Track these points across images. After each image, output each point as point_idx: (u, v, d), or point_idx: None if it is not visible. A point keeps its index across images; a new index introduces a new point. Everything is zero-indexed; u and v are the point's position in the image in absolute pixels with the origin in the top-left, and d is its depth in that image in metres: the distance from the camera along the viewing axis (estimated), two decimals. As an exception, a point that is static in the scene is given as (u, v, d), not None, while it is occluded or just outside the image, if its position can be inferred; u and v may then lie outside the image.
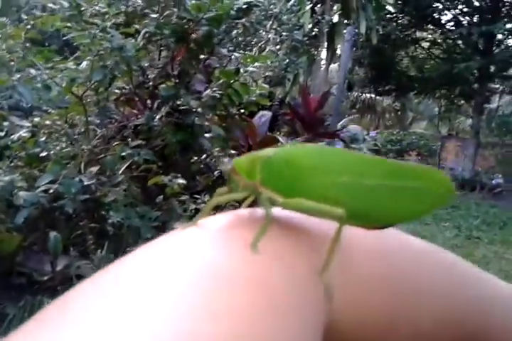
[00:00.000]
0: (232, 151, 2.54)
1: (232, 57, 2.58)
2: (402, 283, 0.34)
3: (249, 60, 2.39)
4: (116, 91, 2.49)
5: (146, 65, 2.18)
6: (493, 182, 11.15)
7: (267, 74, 5.56)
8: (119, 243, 2.22)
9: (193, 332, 0.20)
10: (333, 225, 0.29)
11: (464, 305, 0.36)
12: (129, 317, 0.20)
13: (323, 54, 12.70)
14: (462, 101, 14.70)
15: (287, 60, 6.14)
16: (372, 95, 17.33)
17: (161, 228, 2.20)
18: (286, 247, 0.28)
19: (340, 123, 7.80)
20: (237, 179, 0.31)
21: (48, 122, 2.31)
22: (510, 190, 10.52)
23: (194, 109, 2.03)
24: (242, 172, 0.31)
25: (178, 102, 2.05)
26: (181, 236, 0.28)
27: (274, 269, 0.26)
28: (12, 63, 1.98)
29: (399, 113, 20.07)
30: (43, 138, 2.15)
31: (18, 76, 1.67)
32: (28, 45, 1.80)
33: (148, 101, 2.42)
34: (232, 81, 2.31)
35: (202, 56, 2.25)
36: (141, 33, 1.92)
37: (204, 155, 2.36)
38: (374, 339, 0.33)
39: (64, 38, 1.90)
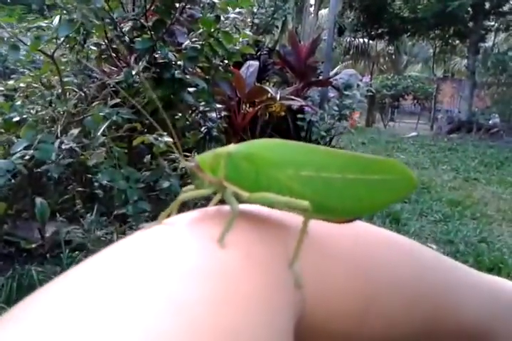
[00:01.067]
0: (219, 105, 2.44)
1: (216, 3, 2.43)
2: (373, 274, 0.35)
3: (229, 5, 2.24)
4: (93, 48, 2.36)
5: (120, 16, 2.04)
6: (490, 122, 11.09)
7: (253, 21, 5.37)
8: (109, 206, 2.17)
9: (156, 328, 0.19)
10: (298, 218, 0.30)
11: (433, 295, 0.38)
12: (93, 318, 0.19)
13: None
14: (457, 42, 14.39)
15: (274, 6, 5.91)
16: (365, 40, 16.92)
17: (151, 188, 2.15)
18: (252, 241, 0.29)
19: (334, 71, 7.61)
20: (202, 176, 0.32)
21: (22, 85, 2.20)
22: (507, 129, 10.46)
23: (173, 62, 1.91)
24: (206, 168, 0.32)
25: (156, 55, 1.93)
26: (148, 235, 0.28)
27: (241, 263, 0.26)
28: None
29: (393, 57, 19.70)
30: (19, 102, 2.05)
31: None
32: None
33: (128, 58, 2.29)
34: (213, 30, 2.17)
35: (179, 5, 2.10)
36: (109, -18, 1.78)
37: (189, 111, 2.26)
38: (347, 331, 0.34)
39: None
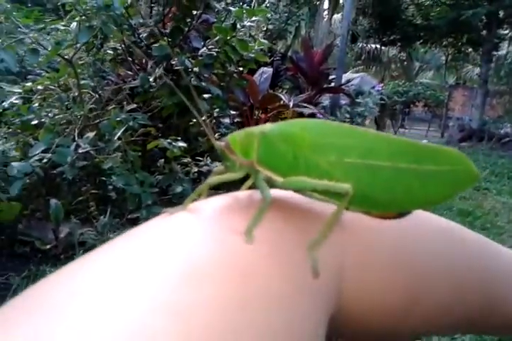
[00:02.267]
0: (233, 112, 2.46)
1: (232, 10, 2.45)
2: (420, 267, 0.32)
3: (246, 13, 2.27)
4: (110, 52, 2.39)
5: (138, 23, 2.07)
6: (502, 131, 11.01)
7: (267, 27, 5.39)
8: (122, 208, 2.20)
9: (154, 330, 0.18)
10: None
11: (483, 284, 0.36)
12: (98, 312, 0.18)
13: (326, 4, 12.28)
14: (470, 49, 14.31)
15: (288, 12, 5.94)
16: (378, 46, 16.89)
17: (164, 192, 2.17)
18: (279, 235, 0.26)
19: (345, 75, 7.62)
20: (233, 157, 0.29)
21: (40, 87, 2.23)
22: (519, 139, 10.38)
23: (190, 69, 1.94)
24: (237, 149, 0.29)
25: (173, 62, 1.96)
26: (169, 223, 0.25)
27: (263, 261, 0.24)
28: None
29: (405, 63, 19.64)
30: (36, 104, 2.09)
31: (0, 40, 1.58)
32: (9, 6, 1.69)
33: (143, 62, 2.33)
34: (229, 37, 2.20)
35: (195, 12, 2.13)
36: (129, -11, 1.81)
37: (203, 117, 2.29)
38: (389, 325, 0.32)
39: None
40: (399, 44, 14.75)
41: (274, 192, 0.28)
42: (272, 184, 0.28)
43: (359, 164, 0.28)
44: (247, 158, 0.29)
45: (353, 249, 0.29)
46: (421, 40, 14.12)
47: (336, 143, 0.29)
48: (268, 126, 0.29)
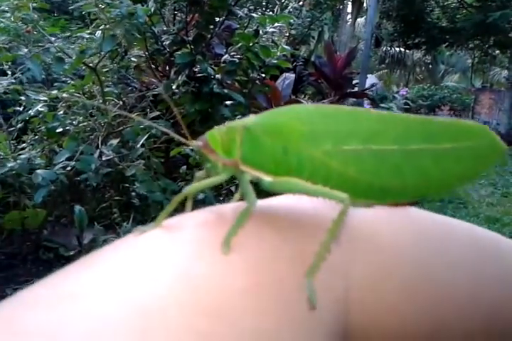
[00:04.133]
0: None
1: (254, 16, 2.46)
2: (445, 290, 0.27)
3: (268, 20, 2.26)
4: (133, 59, 2.42)
5: (161, 30, 2.09)
6: (530, 135, 10.76)
7: (290, 32, 5.38)
8: (145, 215, 2.21)
9: None
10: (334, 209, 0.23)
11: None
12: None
13: (349, 8, 12.23)
14: (497, 52, 14.08)
15: (311, 17, 5.92)
16: (402, 49, 16.75)
17: (185, 199, 2.17)
18: (274, 262, 0.22)
19: (367, 80, 7.57)
20: (214, 157, 0.25)
21: (65, 95, 2.26)
22: (548, 143, 10.13)
23: (212, 76, 1.94)
24: (218, 147, 0.25)
25: (195, 69, 1.97)
26: (134, 248, 0.22)
27: (244, 299, 0.20)
28: (27, 34, 1.93)
29: (430, 66, 19.43)
30: (61, 112, 2.12)
31: (26, 50, 1.61)
32: (36, 16, 1.72)
33: (166, 69, 2.34)
34: (251, 44, 2.20)
35: (218, 19, 2.13)
36: (152, -2, 1.83)
37: (225, 124, 2.29)
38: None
39: (71, 8, 1.82)
40: (424, 47, 14.60)
41: (264, 202, 0.25)
42: (260, 185, 0.25)
43: (360, 151, 0.24)
44: (229, 157, 0.25)
45: (359, 270, 0.25)
46: (446, 43, 13.95)
47: (331, 130, 0.25)
48: (252, 118, 0.25)
